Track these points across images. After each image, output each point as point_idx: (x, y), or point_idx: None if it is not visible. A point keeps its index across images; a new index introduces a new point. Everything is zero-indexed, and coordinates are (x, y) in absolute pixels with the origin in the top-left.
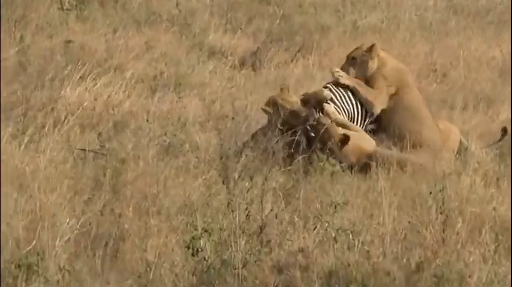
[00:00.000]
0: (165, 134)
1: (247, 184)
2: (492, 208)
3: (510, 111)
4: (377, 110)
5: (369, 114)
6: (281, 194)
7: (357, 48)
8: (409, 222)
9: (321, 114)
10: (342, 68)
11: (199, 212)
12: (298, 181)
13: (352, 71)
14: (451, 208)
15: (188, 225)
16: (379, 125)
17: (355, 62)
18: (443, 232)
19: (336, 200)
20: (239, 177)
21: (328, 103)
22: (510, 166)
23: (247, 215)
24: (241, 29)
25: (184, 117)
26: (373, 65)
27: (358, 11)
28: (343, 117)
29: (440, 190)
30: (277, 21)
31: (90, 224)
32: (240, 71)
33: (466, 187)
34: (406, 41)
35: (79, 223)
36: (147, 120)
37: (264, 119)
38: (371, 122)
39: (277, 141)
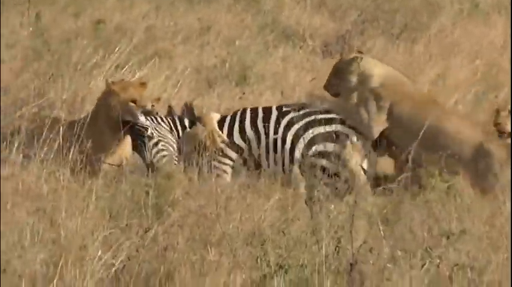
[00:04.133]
0: None
1: (332, 206)
2: None
3: None
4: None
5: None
6: (378, 221)
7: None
8: None
9: None
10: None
11: (271, 242)
12: (400, 203)
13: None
14: None
15: (258, 260)
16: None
17: None
18: None
19: (451, 228)
20: (328, 197)
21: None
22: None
23: (337, 247)
24: (324, 5)
25: None
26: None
27: None
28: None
29: None
30: None
31: (129, 259)
32: (323, 58)
33: None
34: None
35: (114, 257)
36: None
37: None
38: None
39: None
